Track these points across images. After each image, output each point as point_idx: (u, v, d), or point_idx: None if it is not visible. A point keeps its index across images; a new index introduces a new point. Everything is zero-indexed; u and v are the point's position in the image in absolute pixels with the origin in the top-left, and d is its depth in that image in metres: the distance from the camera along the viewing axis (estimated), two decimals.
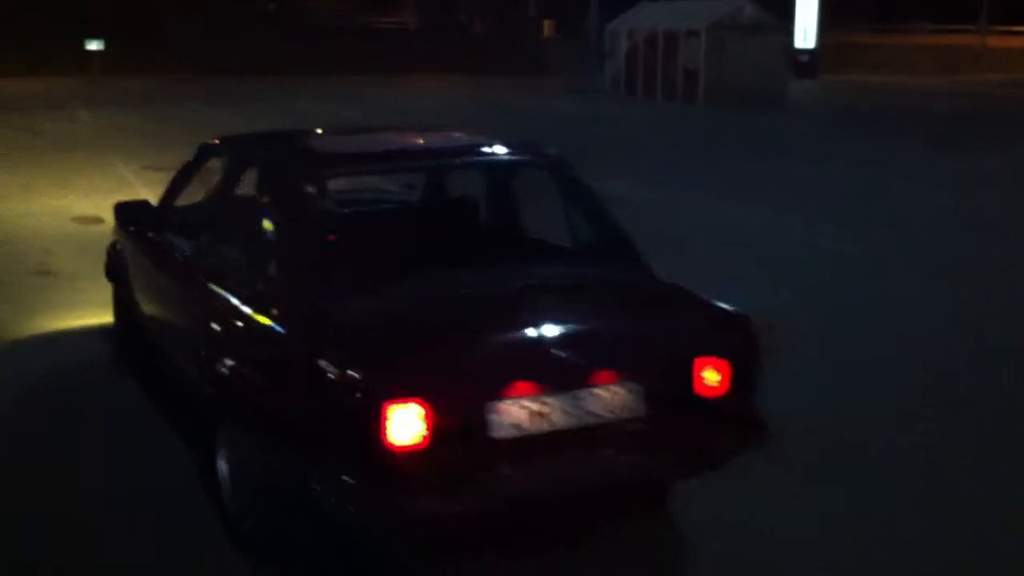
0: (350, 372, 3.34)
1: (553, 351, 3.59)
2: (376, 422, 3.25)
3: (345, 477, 3.31)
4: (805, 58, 43.62)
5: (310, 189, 4.15)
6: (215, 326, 4.30)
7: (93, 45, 35.58)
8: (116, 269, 6.25)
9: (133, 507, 4.36)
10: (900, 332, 7.07)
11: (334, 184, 4.75)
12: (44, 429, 5.18)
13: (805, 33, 44.35)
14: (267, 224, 4.09)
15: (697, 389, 3.79)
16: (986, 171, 15.46)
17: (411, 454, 3.30)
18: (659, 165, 15.88)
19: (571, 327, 3.75)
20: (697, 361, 3.79)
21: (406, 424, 3.28)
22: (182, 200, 5.53)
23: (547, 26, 67.48)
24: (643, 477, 3.83)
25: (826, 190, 13.49)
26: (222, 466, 4.16)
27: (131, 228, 5.79)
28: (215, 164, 5.15)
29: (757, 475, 4.27)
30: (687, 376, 3.78)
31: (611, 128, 22.04)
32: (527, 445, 3.47)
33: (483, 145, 4.91)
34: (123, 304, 6.11)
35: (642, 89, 29.94)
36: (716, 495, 4.22)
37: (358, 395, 3.30)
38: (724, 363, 3.80)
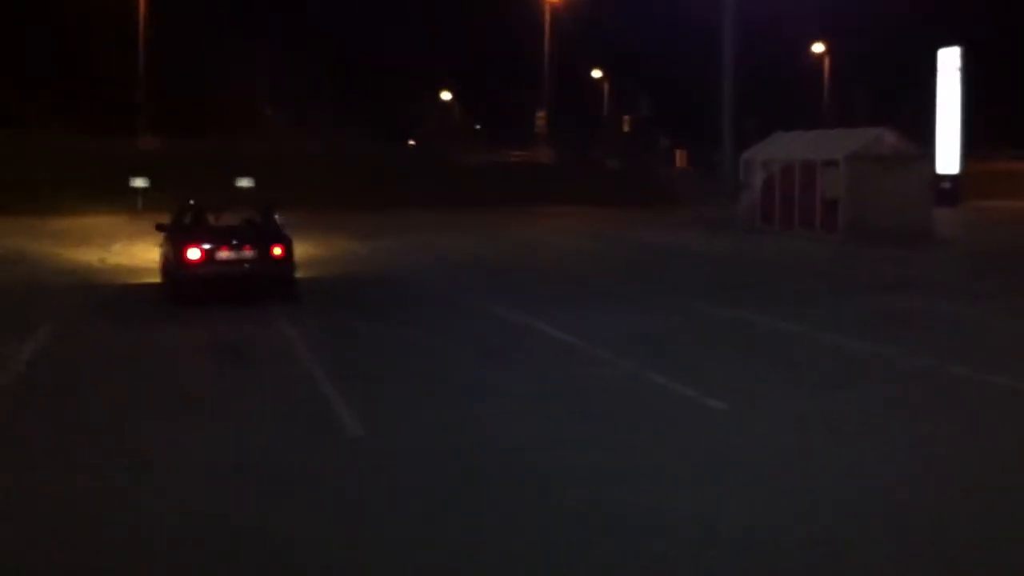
0: (181, 243, 14.73)
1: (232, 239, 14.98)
2: (183, 253, 14.51)
3: (178, 269, 14.74)
4: (947, 185, 42.64)
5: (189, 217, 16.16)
6: (167, 253, 15.48)
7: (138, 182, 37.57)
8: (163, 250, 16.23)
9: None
10: None
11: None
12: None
13: (947, 159, 43.46)
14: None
15: (272, 253, 14.83)
16: None
17: (193, 262, 14.46)
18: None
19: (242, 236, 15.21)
20: (272, 244, 14.87)
21: (192, 253, 14.41)
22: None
23: (679, 157, 68.03)
24: (257, 276, 14.89)
25: None
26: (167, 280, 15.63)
27: (161, 231, 15.94)
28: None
29: None
30: (270, 248, 14.83)
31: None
32: (211, 260, 14.55)
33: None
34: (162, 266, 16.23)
35: (779, 220, 29.53)
36: None
37: (181, 246, 14.59)
38: (281, 246, 14.89)
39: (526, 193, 45.43)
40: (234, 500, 6.48)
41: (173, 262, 14.81)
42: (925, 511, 6.19)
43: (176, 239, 14.85)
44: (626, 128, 78.52)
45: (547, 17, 66.12)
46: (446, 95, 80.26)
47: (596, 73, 79.66)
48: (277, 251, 14.83)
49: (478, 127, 76.28)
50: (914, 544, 5.69)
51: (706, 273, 20.15)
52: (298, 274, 15.73)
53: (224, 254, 14.61)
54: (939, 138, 44.08)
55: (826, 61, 73.17)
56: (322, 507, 6.32)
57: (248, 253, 14.73)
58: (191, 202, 16.35)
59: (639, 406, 8.85)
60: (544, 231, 31.63)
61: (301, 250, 16.85)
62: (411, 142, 71.21)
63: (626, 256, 24.18)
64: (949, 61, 44.35)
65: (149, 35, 53.61)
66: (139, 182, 38.11)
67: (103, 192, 38.10)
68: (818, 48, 72.65)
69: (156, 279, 16.54)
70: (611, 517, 6.09)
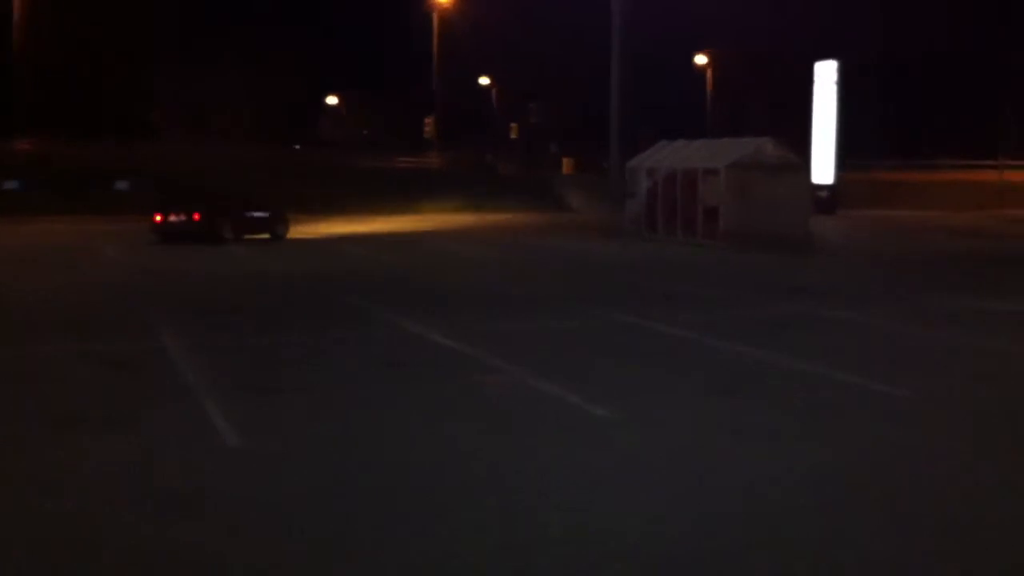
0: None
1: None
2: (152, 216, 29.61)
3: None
4: (824, 193, 44.03)
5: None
6: None
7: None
8: None
9: None
10: None
11: None
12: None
13: (823, 169, 44.81)
14: None
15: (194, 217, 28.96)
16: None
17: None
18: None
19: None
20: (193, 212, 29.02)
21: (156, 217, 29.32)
22: None
23: (566, 164, 68.65)
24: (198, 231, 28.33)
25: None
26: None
27: None
28: None
29: None
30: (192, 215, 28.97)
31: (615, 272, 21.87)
32: (166, 223, 28.85)
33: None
34: None
35: (663, 227, 30.02)
36: None
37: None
38: (197, 214, 28.85)
39: (414, 198, 45.33)
40: (105, 512, 6.25)
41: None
42: (805, 515, 6.31)
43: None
44: (514, 135, 78.95)
45: (436, 23, 66.03)
46: (332, 99, 79.51)
47: (484, 80, 79.89)
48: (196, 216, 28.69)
49: (366, 132, 75.80)
50: (793, 547, 5.79)
51: (595, 279, 20.34)
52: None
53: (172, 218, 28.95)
54: (815, 148, 45.44)
55: (708, 72, 74.75)
56: (197, 518, 6.14)
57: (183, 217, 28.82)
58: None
59: (523, 414, 8.84)
60: (435, 236, 31.54)
61: (180, 256, 16.41)
62: (297, 147, 70.33)
63: (516, 262, 24.28)
64: (826, 74, 45.76)
65: (34, 37, 52.02)
66: (8, 184, 37.17)
67: None
68: (701, 60, 74.19)
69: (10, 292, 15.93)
70: (479, 525, 6.06)
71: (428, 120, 71.30)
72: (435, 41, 65.91)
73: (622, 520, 6.19)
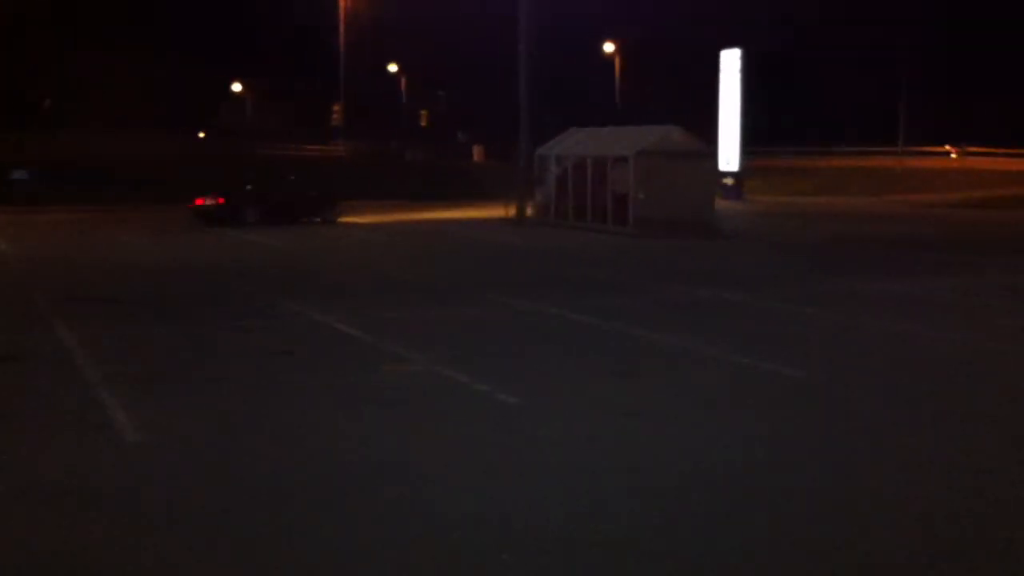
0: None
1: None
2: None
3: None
4: (730, 180, 44.75)
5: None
6: None
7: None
8: None
9: None
10: None
11: None
12: None
13: (729, 156, 45.46)
14: None
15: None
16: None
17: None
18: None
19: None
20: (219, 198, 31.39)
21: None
22: None
23: (476, 151, 68.50)
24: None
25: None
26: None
27: None
28: None
29: None
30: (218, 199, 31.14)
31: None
32: (202, 206, 31.01)
33: None
34: None
35: (573, 214, 30.14)
36: None
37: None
38: (222, 198, 30.91)
39: (318, 186, 44.74)
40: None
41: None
42: (697, 496, 6.38)
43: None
44: (424, 123, 78.55)
45: (342, 8, 65.35)
46: (237, 87, 78.17)
47: (392, 67, 79.24)
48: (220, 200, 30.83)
49: (273, 121, 74.63)
50: (681, 528, 5.85)
51: (503, 267, 20.35)
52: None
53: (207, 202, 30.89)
54: (721, 136, 46.04)
55: (617, 60, 75.25)
56: (95, 515, 5.97)
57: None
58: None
59: (430, 402, 8.79)
60: (341, 225, 31.21)
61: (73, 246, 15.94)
62: (201, 135, 69.03)
63: (422, 249, 24.15)
64: (731, 62, 46.34)
65: None
66: None
67: None
68: (610, 48, 74.65)
69: None
70: (384, 515, 6.02)
71: (336, 108, 70.52)
72: (341, 27, 65.24)
73: (518, 505, 6.19)
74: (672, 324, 12.64)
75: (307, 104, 73.71)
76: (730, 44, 46.94)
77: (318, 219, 31.95)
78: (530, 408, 8.54)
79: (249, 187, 32.29)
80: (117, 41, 61.72)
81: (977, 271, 18.91)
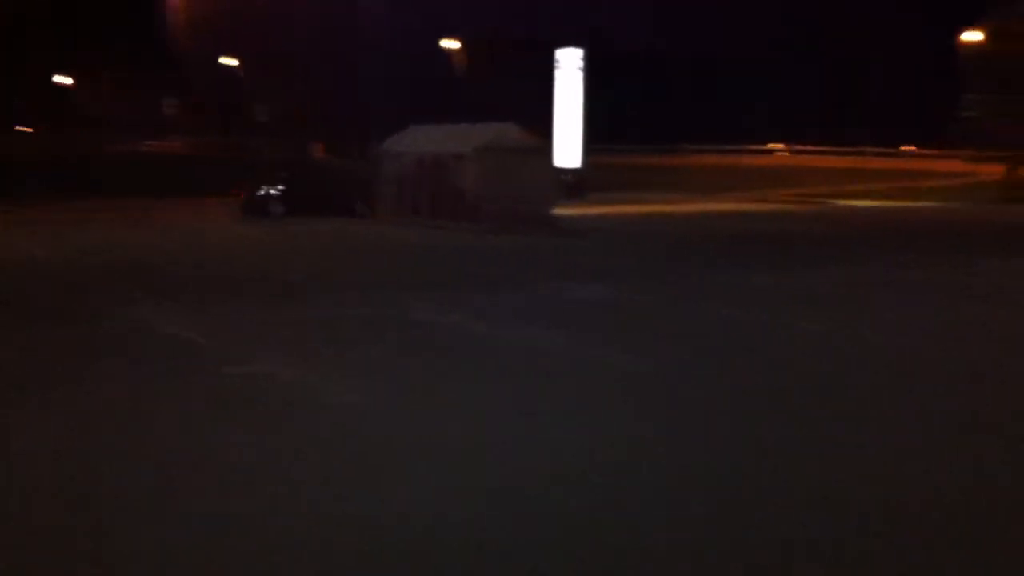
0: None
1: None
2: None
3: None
4: (570, 177, 45.06)
5: None
6: None
7: None
8: None
9: None
10: None
11: None
12: None
13: (569, 154, 45.90)
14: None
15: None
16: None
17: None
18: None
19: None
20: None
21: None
22: None
23: (316, 149, 67.44)
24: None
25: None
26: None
27: None
28: None
29: None
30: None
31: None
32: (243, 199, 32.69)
33: None
34: None
35: (410, 210, 29.88)
36: None
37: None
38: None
39: (161, 184, 43.24)
40: None
41: None
42: (579, 491, 6.23)
43: None
44: (263, 118, 76.88)
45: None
46: (64, 79, 74.96)
47: (230, 61, 77.18)
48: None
49: (103, 114, 71.76)
50: (559, 521, 5.69)
51: (339, 265, 19.91)
52: None
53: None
54: (559, 133, 46.40)
55: (457, 57, 75.24)
56: None
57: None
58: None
59: (269, 406, 8.38)
60: (189, 223, 30.15)
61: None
62: (26, 129, 65.97)
63: (272, 247, 23.44)
64: (569, 61, 46.79)
65: None
66: None
67: None
68: (452, 44, 74.59)
69: None
70: (221, 527, 5.69)
71: (172, 102, 68.43)
72: (179, 17, 63.35)
73: (377, 513, 5.94)
74: (522, 320, 12.53)
75: (142, 98, 71.16)
76: (576, 43, 47.34)
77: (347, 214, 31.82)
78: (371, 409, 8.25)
79: (279, 180, 33.06)
80: None
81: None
